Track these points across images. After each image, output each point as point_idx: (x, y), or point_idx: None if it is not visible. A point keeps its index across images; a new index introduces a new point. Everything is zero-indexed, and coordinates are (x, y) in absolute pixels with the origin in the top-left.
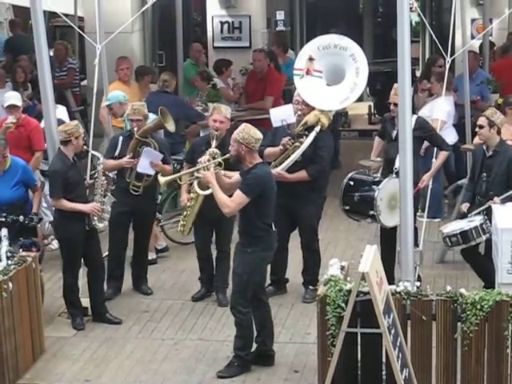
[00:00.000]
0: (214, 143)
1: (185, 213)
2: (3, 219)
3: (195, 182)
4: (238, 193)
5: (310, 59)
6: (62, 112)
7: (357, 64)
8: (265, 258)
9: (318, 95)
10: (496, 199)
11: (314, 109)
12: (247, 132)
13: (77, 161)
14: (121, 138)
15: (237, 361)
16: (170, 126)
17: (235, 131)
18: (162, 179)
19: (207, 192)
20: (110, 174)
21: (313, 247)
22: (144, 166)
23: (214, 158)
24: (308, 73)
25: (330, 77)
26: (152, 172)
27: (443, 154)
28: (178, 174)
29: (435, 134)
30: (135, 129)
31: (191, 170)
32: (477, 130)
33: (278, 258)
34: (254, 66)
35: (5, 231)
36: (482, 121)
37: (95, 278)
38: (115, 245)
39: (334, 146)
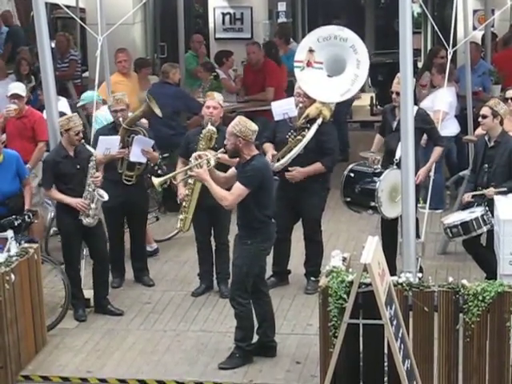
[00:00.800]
0: (209, 126)
1: (184, 203)
2: (19, 221)
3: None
4: (237, 185)
5: (310, 51)
6: (63, 104)
7: (357, 55)
8: (264, 249)
9: (319, 87)
10: (491, 190)
11: (315, 101)
12: (243, 125)
13: (79, 153)
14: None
15: (238, 352)
16: (159, 112)
17: (230, 124)
18: (156, 181)
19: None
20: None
21: (316, 239)
22: (136, 154)
23: (211, 137)
24: (309, 65)
25: (330, 67)
26: (144, 160)
27: (438, 150)
28: (171, 174)
29: (434, 128)
30: (120, 119)
31: (184, 169)
32: (480, 119)
33: (280, 250)
34: (249, 59)
35: (11, 232)
36: (485, 111)
37: (100, 269)
38: (113, 238)
39: (337, 137)
